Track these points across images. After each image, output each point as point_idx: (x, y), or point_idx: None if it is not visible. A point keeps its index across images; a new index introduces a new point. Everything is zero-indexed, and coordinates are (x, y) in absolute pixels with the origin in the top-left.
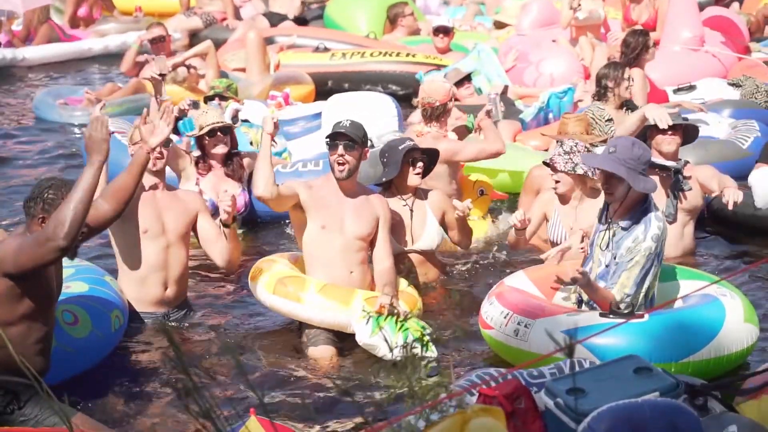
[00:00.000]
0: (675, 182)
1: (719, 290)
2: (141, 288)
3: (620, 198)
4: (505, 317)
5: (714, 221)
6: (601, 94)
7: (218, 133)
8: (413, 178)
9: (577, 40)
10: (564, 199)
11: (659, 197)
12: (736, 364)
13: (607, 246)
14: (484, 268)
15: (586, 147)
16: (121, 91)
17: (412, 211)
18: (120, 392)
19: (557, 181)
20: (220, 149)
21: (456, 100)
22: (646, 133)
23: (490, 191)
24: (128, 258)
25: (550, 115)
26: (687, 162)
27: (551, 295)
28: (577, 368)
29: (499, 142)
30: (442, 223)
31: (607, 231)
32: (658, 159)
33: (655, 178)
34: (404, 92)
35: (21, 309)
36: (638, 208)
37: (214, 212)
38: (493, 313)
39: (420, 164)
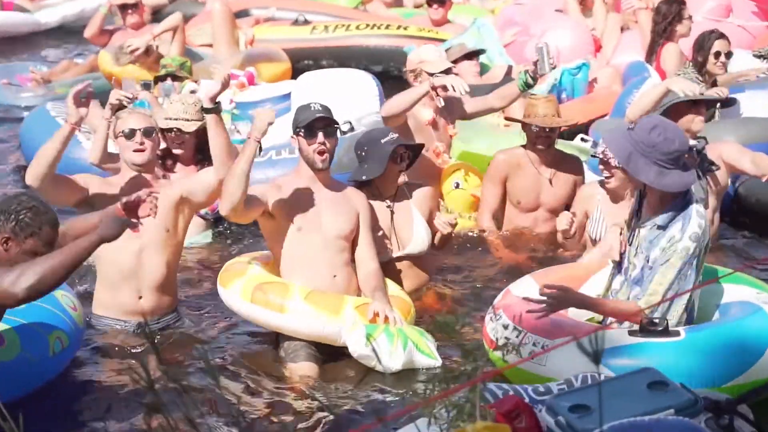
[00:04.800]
0: (701, 162)
1: (760, 297)
2: (115, 295)
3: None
4: (517, 336)
5: (739, 210)
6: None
7: (175, 132)
8: (401, 178)
9: (585, 7)
10: (615, 195)
11: None
12: None
13: (640, 246)
14: (482, 265)
15: None
16: (76, 68)
17: (393, 212)
18: (83, 409)
19: (609, 177)
20: (177, 147)
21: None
22: (668, 113)
23: (470, 184)
24: (101, 262)
25: (564, 95)
26: (705, 139)
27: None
28: (588, 382)
29: (498, 101)
30: (429, 224)
31: (639, 228)
32: None
33: None
34: (398, 71)
35: None
36: (676, 201)
37: None
38: (501, 330)
39: (405, 161)
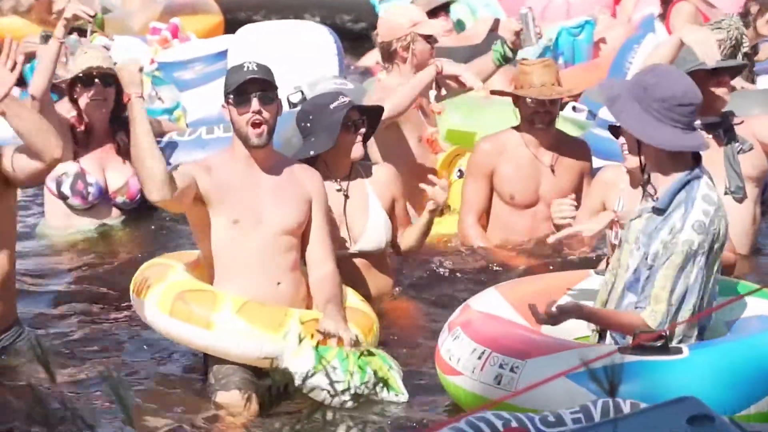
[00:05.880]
0: (730, 141)
1: None
2: None
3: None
4: (479, 357)
5: None
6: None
7: (96, 82)
8: (357, 149)
9: None
10: (636, 179)
11: (714, 168)
12: None
13: (637, 241)
14: (455, 269)
15: None
16: None
17: (347, 197)
18: None
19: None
20: (97, 108)
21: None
22: None
23: None
24: None
25: (561, 59)
26: (732, 113)
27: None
28: (610, 412)
29: (392, 101)
30: (390, 215)
31: (633, 220)
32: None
33: None
34: (358, 25)
35: None
36: (678, 175)
37: (99, 199)
38: (459, 351)
39: (362, 129)
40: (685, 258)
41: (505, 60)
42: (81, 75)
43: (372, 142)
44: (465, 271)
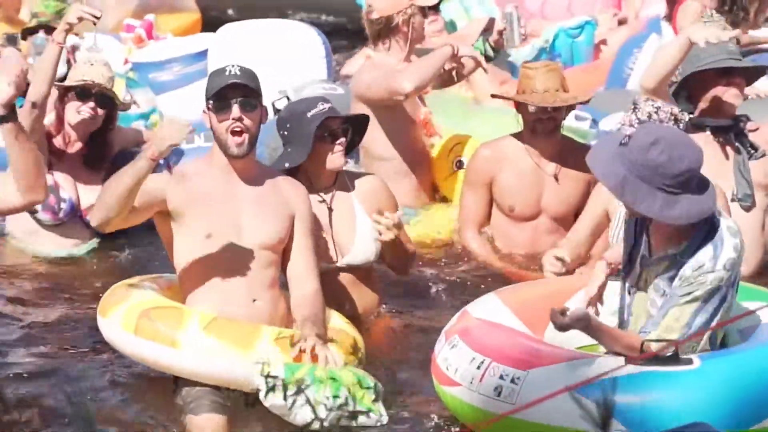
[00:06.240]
0: (740, 147)
1: None
2: None
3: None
4: (478, 367)
5: None
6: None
7: (92, 99)
8: (334, 160)
9: None
10: None
11: (722, 174)
12: None
13: (659, 290)
14: (451, 284)
15: (671, 113)
16: None
17: (331, 209)
18: None
19: None
20: (83, 124)
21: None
22: (689, 84)
23: None
24: None
25: (558, 61)
26: (747, 117)
27: (542, 328)
28: None
29: (407, 78)
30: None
31: (647, 269)
32: (709, 118)
33: (713, 147)
34: (348, 25)
35: None
36: (699, 226)
37: (70, 216)
38: (457, 360)
39: (342, 139)
40: (709, 293)
41: (486, 59)
42: (78, 87)
43: (373, 124)
44: (459, 281)
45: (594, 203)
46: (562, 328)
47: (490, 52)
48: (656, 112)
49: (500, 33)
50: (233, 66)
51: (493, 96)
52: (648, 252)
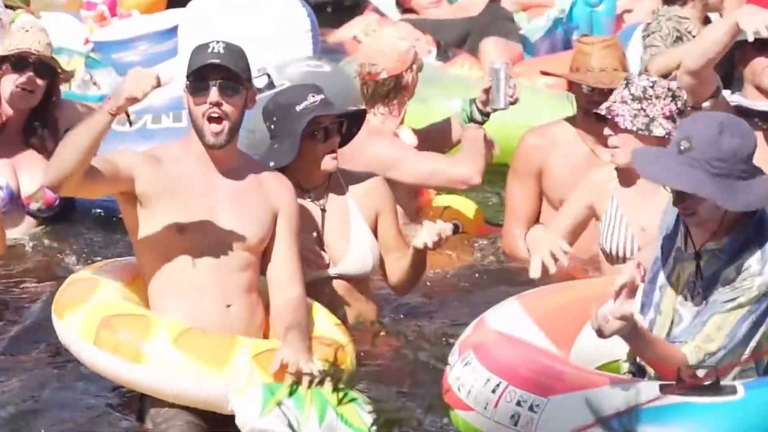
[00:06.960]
0: None
1: None
2: None
3: (708, 218)
4: (493, 390)
5: None
6: None
7: (29, 68)
8: (327, 163)
9: None
10: (628, 177)
11: (762, 165)
12: None
13: (692, 288)
14: (455, 293)
15: (668, 88)
16: None
17: (324, 211)
18: None
19: (616, 147)
20: (22, 99)
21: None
22: (734, 57)
23: (471, 225)
24: None
25: (575, 34)
26: None
27: (568, 341)
28: None
29: (472, 166)
30: (375, 232)
31: (683, 262)
32: (753, 101)
33: (759, 137)
34: None
35: None
36: (746, 220)
37: (9, 205)
38: (470, 381)
39: (335, 139)
40: (755, 299)
41: (472, 122)
42: (13, 56)
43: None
44: (472, 284)
45: (577, 200)
46: (603, 333)
47: (477, 116)
48: (652, 87)
49: (486, 92)
50: (217, 43)
51: (542, 73)
52: (684, 245)
